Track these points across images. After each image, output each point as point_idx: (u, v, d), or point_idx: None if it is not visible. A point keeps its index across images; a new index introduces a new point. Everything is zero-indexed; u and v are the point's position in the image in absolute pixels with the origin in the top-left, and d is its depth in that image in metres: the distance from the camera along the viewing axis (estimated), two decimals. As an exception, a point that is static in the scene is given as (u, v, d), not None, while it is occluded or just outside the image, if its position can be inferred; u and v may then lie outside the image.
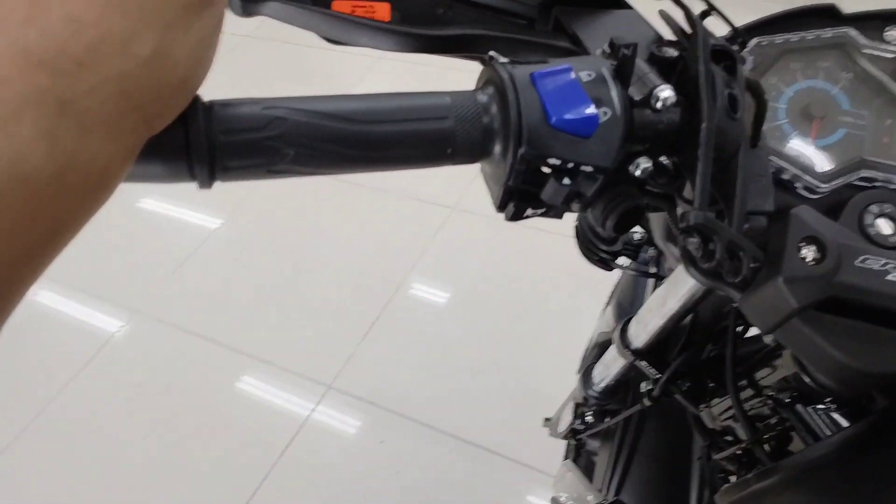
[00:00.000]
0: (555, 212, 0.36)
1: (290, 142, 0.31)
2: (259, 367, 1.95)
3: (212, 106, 0.31)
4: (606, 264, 0.77)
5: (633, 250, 0.82)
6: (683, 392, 0.64)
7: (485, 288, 2.08)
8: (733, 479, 0.61)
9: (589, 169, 0.34)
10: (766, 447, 0.56)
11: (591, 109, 0.33)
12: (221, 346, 2.01)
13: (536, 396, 1.74)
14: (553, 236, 2.08)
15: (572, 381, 0.90)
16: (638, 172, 0.36)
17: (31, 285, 0.25)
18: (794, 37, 0.48)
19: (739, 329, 0.60)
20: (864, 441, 0.44)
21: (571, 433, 1.01)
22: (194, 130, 0.30)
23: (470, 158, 0.35)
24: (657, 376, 0.65)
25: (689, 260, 0.38)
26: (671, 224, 0.41)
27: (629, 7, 0.46)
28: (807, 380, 0.47)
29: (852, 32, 0.48)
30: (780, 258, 0.38)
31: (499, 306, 2.02)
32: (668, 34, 0.41)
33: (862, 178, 0.43)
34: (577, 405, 0.96)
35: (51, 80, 0.23)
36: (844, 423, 0.51)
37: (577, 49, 0.43)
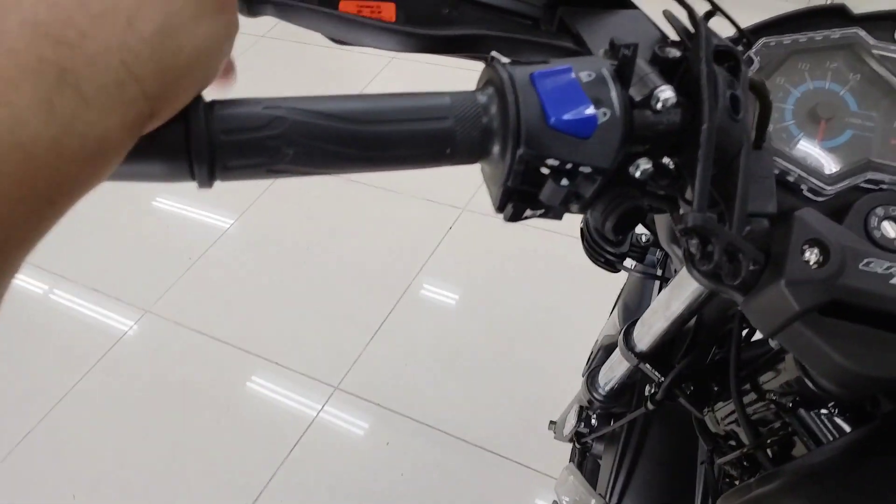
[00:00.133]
0: (554, 213, 0.36)
1: (290, 141, 0.31)
2: (267, 367, 1.95)
3: (212, 105, 0.31)
4: (612, 266, 0.77)
5: (639, 252, 0.81)
6: (687, 396, 0.64)
7: (493, 289, 2.08)
8: (738, 483, 0.60)
9: (587, 170, 0.33)
10: (769, 452, 0.55)
11: (590, 110, 0.33)
12: (230, 346, 2.01)
13: (544, 399, 1.74)
14: (562, 237, 2.08)
15: (579, 384, 0.90)
16: (638, 174, 0.35)
17: (29, 252, 0.26)
18: (802, 37, 0.48)
19: (744, 332, 0.60)
20: (866, 447, 0.44)
21: (576, 436, 1.01)
22: (195, 129, 0.30)
23: (469, 158, 0.35)
24: (660, 380, 0.65)
25: (691, 262, 0.38)
26: (673, 225, 0.40)
27: (634, 7, 0.46)
28: (809, 384, 0.47)
29: (861, 33, 0.47)
30: (783, 261, 0.37)
31: (507, 308, 2.02)
32: (673, 34, 0.40)
33: (868, 181, 0.43)
34: (582, 408, 0.96)
35: (53, 50, 0.24)
36: (847, 427, 0.50)
37: (581, 49, 0.43)
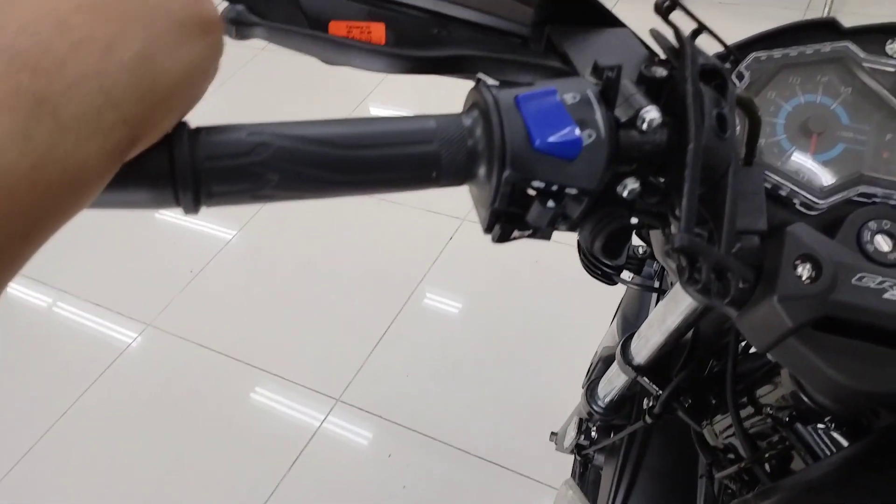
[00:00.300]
0: (542, 234, 0.36)
1: (275, 167, 0.31)
2: (269, 379, 1.95)
3: (197, 132, 0.31)
4: (609, 279, 0.77)
5: (636, 264, 0.81)
6: (685, 409, 0.64)
7: (494, 299, 2.08)
8: (737, 497, 0.60)
9: (574, 191, 0.33)
10: (767, 466, 0.55)
11: (574, 132, 0.33)
12: (232, 359, 2.01)
13: (546, 410, 1.73)
14: (562, 246, 2.07)
15: (580, 395, 0.89)
16: (625, 193, 0.35)
17: (8, 281, 0.25)
18: (792, 51, 0.48)
19: (742, 345, 0.60)
20: (863, 461, 0.44)
21: (576, 448, 1.00)
22: (179, 156, 0.30)
23: (455, 181, 0.35)
24: (658, 393, 0.64)
25: (683, 278, 0.38)
26: (665, 242, 0.40)
27: (622, 25, 0.46)
28: (805, 398, 0.46)
29: (852, 46, 0.47)
30: (776, 276, 0.37)
31: (508, 318, 2.02)
32: (662, 52, 0.40)
33: (861, 194, 0.43)
34: (582, 420, 0.95)
35: (31, 78, 0.24)
36: (844, 442, 0.50)
37: (569, 69, 0.43)
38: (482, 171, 0.34)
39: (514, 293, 2.08)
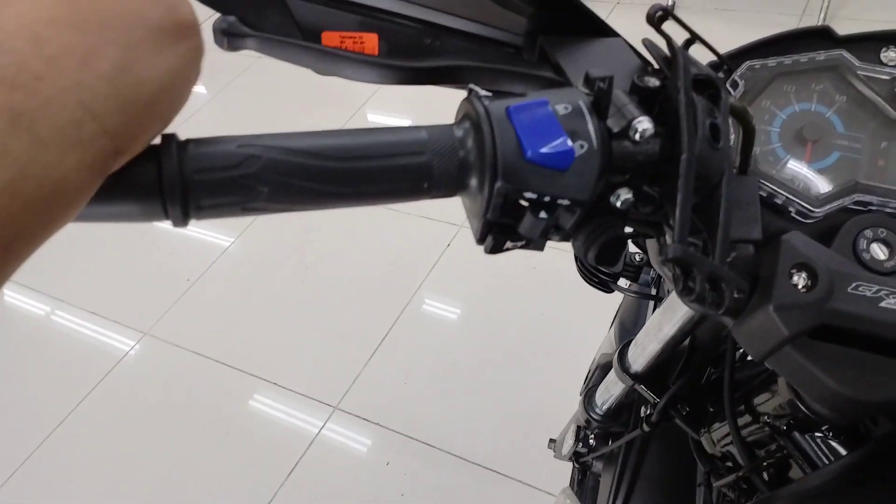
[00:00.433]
0: (535, 244, 0.36)
1: (265, 179, 0.31)
2: (266, 387, 1.95)
3: (185, 144, 0.31)
4: (606, 286, 0.77)
5: (633, 271, 0.81)
6: (683, 417, 0.63)
7: (492, 306, 2.07)
8: (735, 506, 0.60)
9: (566, 202, 0.33)
10: (766, 475, 0.55)
11: (566, 143, 0.33)
12: (230, 367, 2.01)
13: (545, 417, 1.72)
14: (560, 252, 2.07)
15: (578, 402, 0.89)
16: (619, 203, 0.35)
17: None
18: (787, 60, 0.48)
19: (739, 352, 0.59)
20: (861, 470, 0.43)
21: (574, 456, 1.00)
22: (167, 169, 0.30)
23: (447, 192, 0.35)
24: (656, 401, 0.64)
25: (678, 288, 0.37)
26: (660, 251, 0.40)
27: (615, 34, 0.46)
28: (802, 407, 0.46)
29: (846, 54, 0.47)
30: (771, 285, 0.37)
31: (506, 326, 2.01)
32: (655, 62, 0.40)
33: (856, 202, 0.43)
34: (579, 428, 0.95)
35: (7, 95, 0.24)
36: (842, 450, 0.50)
37: (561, 79, 0.43)
38: (474, 182, 0.34)
39: (511, 300, 2.07)
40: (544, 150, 0.32)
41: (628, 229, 0.38)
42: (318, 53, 0.42)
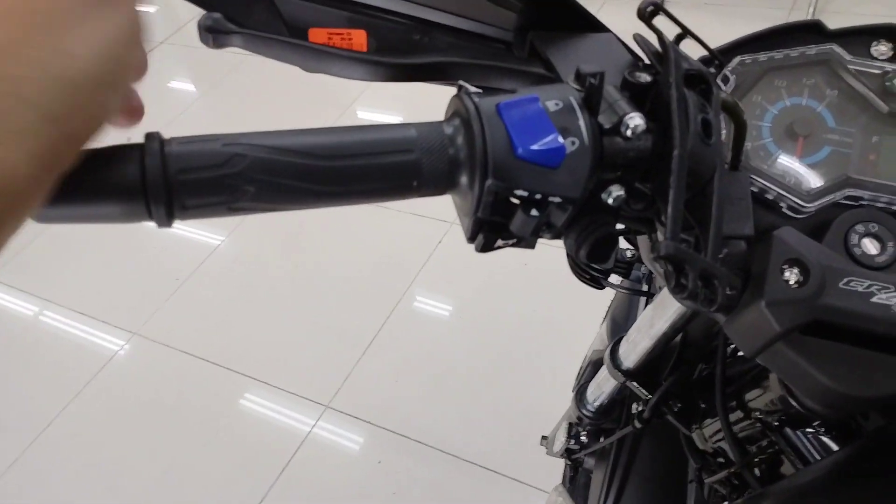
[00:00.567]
0: (526, 242, 0.36)
1: (251, 179, 0.31)
2: (257, 386, 1.94)
3: (168, 143, 0.30)
4: (598, 283, 0.77)
5: (625, 268, 0.81)
6: (675, 413, 0.63)
7: (484, 303, 2.07)
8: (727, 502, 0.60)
9: (557, 200, 0.33)
10: (757, 471, 0.55)
11: (557, 140, 0.32)
12: (220, 367, 2.00)
13: (537, 413, 1.72)
14: (552, 249, 2.07)
15: (570, 399, 0.89)
16: (610, 200, 0.35)
17: None
18: (777, 54, 0.47)
19: (730, 347, 0.59)
20: (852, 466, 0.43)
21: (566, 453, 1.00)
22: (151, 168, 0.29)
23: (437, 190, 0.34)
24: (648, 397, 0.64)
25: (670, 285, 0.37)
26: (652, 247, 0.40)
27: (606, 30, 0.46)
28: (793, 403, 0.46)
29: (837, 49, 0.47)
30: (763, 281, 0.37)
31: (498, 322, 2.01)
32: (646, 57, 0.40)
33: (847, 197, 0.43)
34: (571, 425, 0.95)
35: None
36: (834, 446, 0.50)
37: (552, 75, 0.42)
38: (464, 179, 0.34)
39: (503, 296, 2.07)
40: (535, 147, 0.32)
41: (620, 226, 0.37)
42: (305, 50, 0.42)
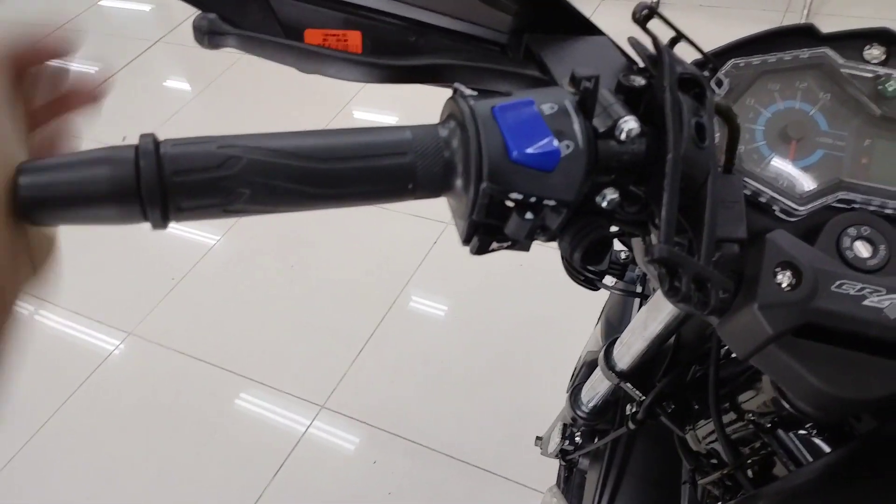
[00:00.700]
0: (521, 245, 0.36)
1: (246, 181, 0.31)
2: (252, 387, 1.94)
3: (163, 145, 0.30)
4: (592, 284, 0.77)
5: (619, 269, 0.81)
6: (668, 414, 0.63)
7: (479, 303, 2.07)
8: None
9: (552, 203, 0.33)
10: (750, 472, 0.55)
11: (552, 143, 0.33)
12: (215, 367, 1.99)
13: (532, 414, 1.72)
14: (547, 250, 2.07)
15: (564, 400, 0.89)
16: (605, 203, 0.35)
17: None
18: (771, 58, 0.48)
19: (724, 349, 0.60)
20: (844, 468, 0.43)
21: (561, 454, 1.00)
22: (146, 170, 0.29)
23: (432, 193, 0.35)
24: (641, 398, 0.64)
25: (664, 287, 0.37)
26: (646, 250, 0.40)
27: (601, 33, 0.46)
28: (786, 405, 0.46)
29: (830, 52, 0.47)
30: (756, 284, 0.37)
31: (493, 322, 2.01)
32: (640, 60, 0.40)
33: (840, 200, 0.43)
34: (566, 425, 0.95)
35: None
36: (826, 448, 0.50)
37: (547, 78, 0.43)
38: (459, 182, 0.34)
39: (498, 296, 2.07)
40: (530, 150, 0.32)
41: (614, 228, 0.37)
42: (300, 52, 0.42)
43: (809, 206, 0.43)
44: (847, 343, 0.37)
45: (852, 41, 0.48)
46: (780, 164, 0.45)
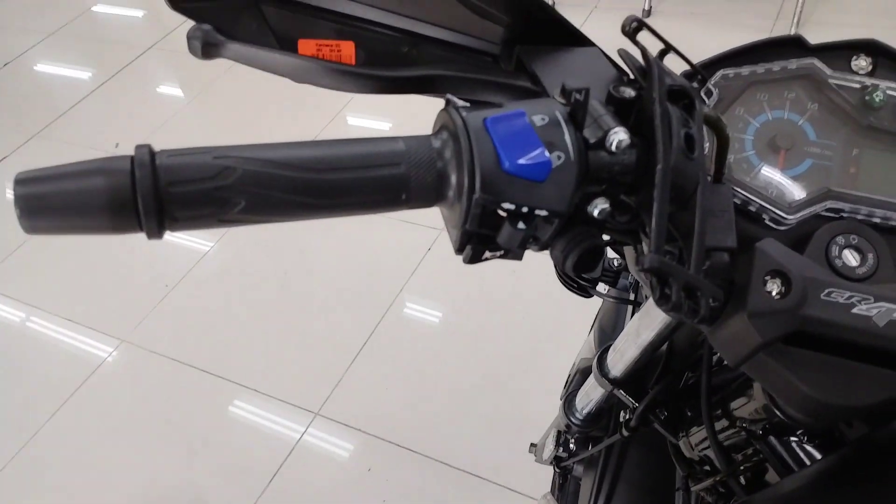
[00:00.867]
0: (513, 254, 0.36)
1: (241, 191, 0.31)
2: (246, 394, 1.93)
3: (159, 155, 0.31)
4: (585, 291, 0.77)
5: (612, 277, 0.82)
6: (661, 421, 0.64)
7: (473, 310, 2.07)
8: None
9: (544, 213, 0.34)
10: (742, 479, 0.55)
11: (543, 154, 0.33)
12: (208, 374, 1.99)
13: (527, 421, 1.73)
14: (541, 257, 2.08)
15: (559, 407, 0.89)
16: (596, 213, 0.35)
17: None
18: (760, 68, 0.48)
19: (716, 356, 0.60)
20: (835, 474, 0.44)
21: (555, 461, 1.00)
22: (141, 181, 0.29)
23: (425, 203, 0.35)
24: (635, 406, 0.64)
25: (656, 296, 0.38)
26: (636, 259, 0.41)
27: (591, 44, 0.46)
28: (776, 412, 0.47)
29: (818, 63, 0.48)
30: (746, 292, 0.37)
31: (488, 329, 2.01)
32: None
33: (828, 209, 0.43)
34: (560, 432, 0.95)
35: None
36: (817, 454, 0.50)
37: (538, 89, 0.43)
38: (452, 193, 0.34)
39: (492, 303, 2.07)
40: (522, 161, 0.32)
41: (606, 237, 0.38)
42: (294, 62, 0.42)
43: (798, 214, 0.43)
44: (836, 350, 0.37)
45: (840, 52, 0.49)
46: (770, 174, 0.45)
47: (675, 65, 0.41)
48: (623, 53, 0.40)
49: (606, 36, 0.47)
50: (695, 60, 0.46)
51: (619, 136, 0.33)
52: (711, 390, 0.57)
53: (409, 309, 2.10)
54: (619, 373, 0.66)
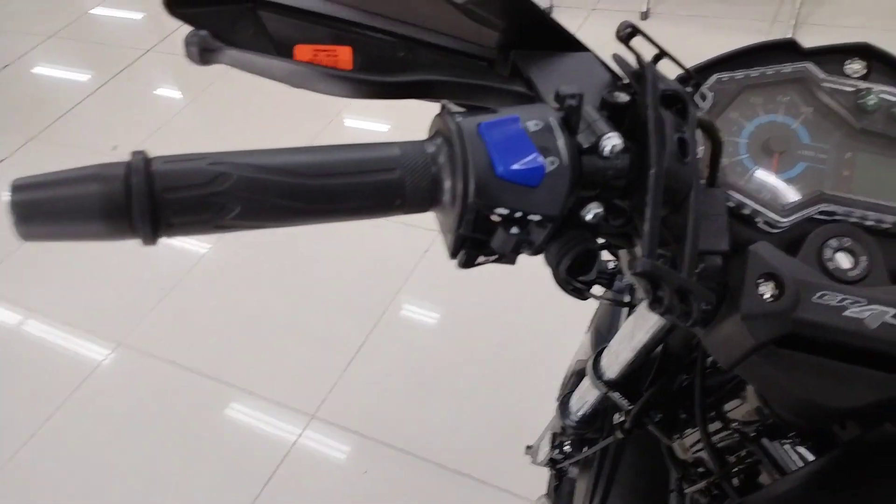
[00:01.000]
0: (507, 258, 0.37)
1: (236, 197, 0.31)
2: (243, 396, 1.93)
3: (154, 161, 0.31)
4: (581, 294, 0.77)
5: (607, 279, 0.82)
6: (655, 423, 0.64)
7: (471, 313, 2.08)
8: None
9: (537, 218, 0.34)
10: (736, 480, 0.55)
11: (537, 159, 0.33)
12: (205, 377, 1.99)
13: (524, 423, 1.72)
14: (538, 259, 2.08)
15: (555, 409, 0.89)
16: (589, 217, 0.36)
17: None
18: (754, 72, 0.48)
19: (710, 359, 0.60)
20: (827, 476, 0.44)
21: (550, 463, 1.00)
22: (136, 187, 0.30)
23: (420, 208, 0.35)
24: (629, 408, 0.65)
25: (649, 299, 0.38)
26: (630, 262, 0.41)
27: (586, 49, 0.47)
28: (770, 414, 0.47)
29: (812, 67, 0.48)
30: (739, 295, 0.38)
31: (485, 331, 2.02)
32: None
33: (822, 212, 0.44)
34: (555, 434, 0.95)
35: None
36: (810, 456, 0.51)
37: (533, 94, 0.43)
38: (446, 198, 0.34)
39: (489, 305, 2.08)
40: (515, 166, 0.33)
41: (599, 241, 0.38)
42: (290, 67, 0.42)
43: (792, 217, 0.44)
44: (829, 353, 0.38)
45: (833, 56, 0.49)
46: (763, 177, 0.45)
47: (669, 70, 0.42)
48: (617, 58, 0.40)
49: (604, 38, 0.47)
50: (693, 62, 0.47)
51: (612, 140, 0.34)
52: (705, 392, 0.57)
53: (407, 310, 2.10)
54: (614, 375, 0.66)
